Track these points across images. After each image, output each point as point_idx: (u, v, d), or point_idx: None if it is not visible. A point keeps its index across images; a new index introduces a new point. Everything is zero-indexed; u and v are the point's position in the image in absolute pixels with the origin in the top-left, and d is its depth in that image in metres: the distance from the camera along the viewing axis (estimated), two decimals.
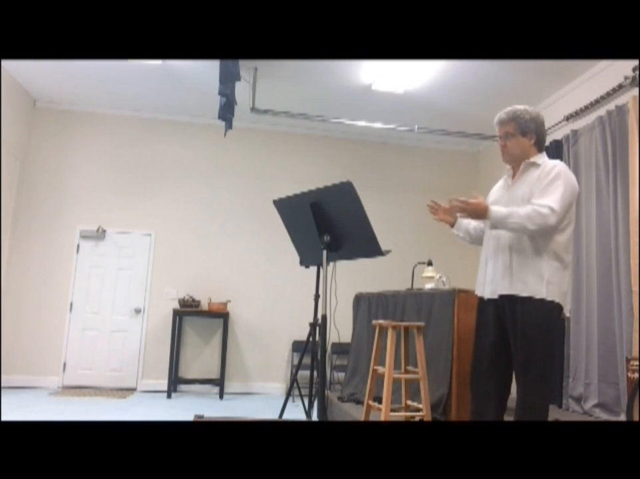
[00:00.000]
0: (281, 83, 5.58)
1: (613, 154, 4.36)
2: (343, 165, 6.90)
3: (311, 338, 3.34)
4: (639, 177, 4.00)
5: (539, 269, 2.22)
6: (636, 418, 3.29)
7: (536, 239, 2.25)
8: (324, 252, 2.60)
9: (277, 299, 6.58)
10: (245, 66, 5.13)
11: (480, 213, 2.25)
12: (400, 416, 3.02)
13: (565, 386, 4.56)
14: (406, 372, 3.12)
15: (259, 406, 5.51)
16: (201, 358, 6.36)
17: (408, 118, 6.27)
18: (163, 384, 6.10)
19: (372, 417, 3.20)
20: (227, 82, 4.77)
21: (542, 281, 2.21)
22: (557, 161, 2.33)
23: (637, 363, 3.51)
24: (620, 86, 4.40)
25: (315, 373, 2.98)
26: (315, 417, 3.43)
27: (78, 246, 6.28)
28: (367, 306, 4.53)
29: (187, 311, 6.10)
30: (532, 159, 2.36)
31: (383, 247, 2.62)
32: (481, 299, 2.44)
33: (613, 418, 4.01)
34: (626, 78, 4.32)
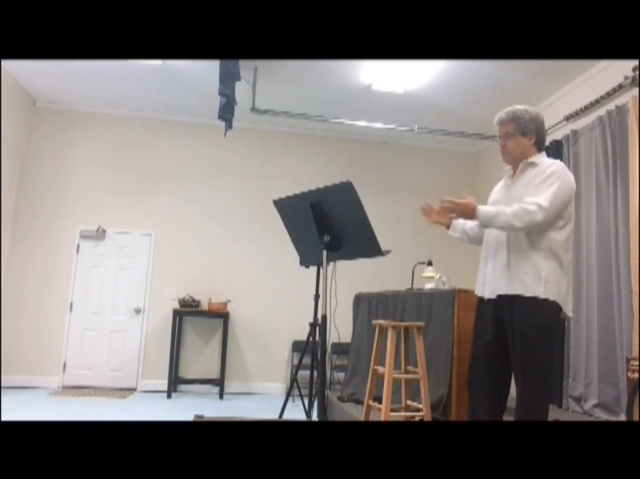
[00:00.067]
0: (281, 83, 5.58)
1: (613, 154, 4.36)
2: (343, 165, 6.90)
3: (311, 338, 3.34)
4: (638, 177, 4.00)
5: (536, 267, 2.22)
6: (636, 418, 3.29)
7: (532, 236, 2.25)
8: (324, 252, 2.60)
9: (277, 299, 6.58)
10: (245, 66, 5.13)
11: (468, 213, 2.26)
12: (400, 416, 3.02)
13: (565, 386, 4.57)
14: (406, 372, 3.12)
15: (259, 406, 5.51)
16: (201, 358, 6.36)
17: (408, 118, 6.27)
18: (163, 384, 6.10)
19: (372, 417, 3.20)
20: (227, 82, 4.77)
21: (540, 281, 2.21)
22: (554, 161, 2.33)
23: (637, 363, 3.51)
24: (620, 86, 4.40)
25: (315, 373, 2.98)
26: (315, 417, 3.43)
27: (78, 246, 6.28)
28: (367, 306, 4.53)
29: (187, 311, 6.11)
30: (531, 159, 2.36)
31: (383, 247, 2.62)
32: (480, 299, 2.44)
33: (613, 418, 4.01)
34: (626, 78, 4.32)
